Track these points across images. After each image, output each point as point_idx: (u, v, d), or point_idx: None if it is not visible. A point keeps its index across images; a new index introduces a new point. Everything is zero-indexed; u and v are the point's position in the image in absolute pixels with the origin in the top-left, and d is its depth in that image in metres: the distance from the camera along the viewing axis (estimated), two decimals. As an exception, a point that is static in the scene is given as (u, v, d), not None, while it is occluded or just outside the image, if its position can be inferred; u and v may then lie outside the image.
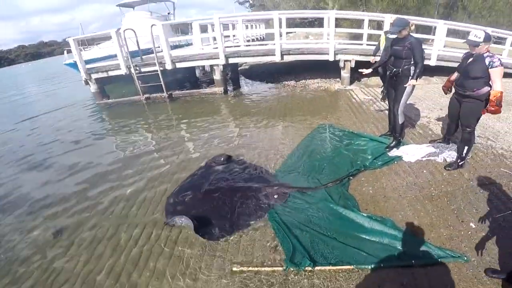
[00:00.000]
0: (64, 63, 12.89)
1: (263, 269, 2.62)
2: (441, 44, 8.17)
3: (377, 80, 8.39)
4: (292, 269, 2.56)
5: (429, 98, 6.84)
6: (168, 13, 19.37)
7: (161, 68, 9.58)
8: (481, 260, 2.42)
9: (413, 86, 4.03)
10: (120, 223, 3.66)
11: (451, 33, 8.81)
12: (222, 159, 4.76)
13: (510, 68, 7.76)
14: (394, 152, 4.33)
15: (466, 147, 3.65)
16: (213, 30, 11.36)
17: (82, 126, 8.56)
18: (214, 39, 11.59)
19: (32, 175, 5.59)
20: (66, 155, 6.26)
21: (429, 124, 5.35)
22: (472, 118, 3.50)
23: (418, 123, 5.44)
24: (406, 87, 4.00)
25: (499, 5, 17.69)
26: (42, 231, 3.77)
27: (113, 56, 10.25)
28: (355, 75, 9.14)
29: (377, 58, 6.28)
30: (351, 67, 8.75)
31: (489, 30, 6.90)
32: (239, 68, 14.14)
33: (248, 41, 16.18)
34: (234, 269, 2.67)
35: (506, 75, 5.16)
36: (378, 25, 12.61)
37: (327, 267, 2.53)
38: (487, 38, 3.13)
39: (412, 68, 3.89)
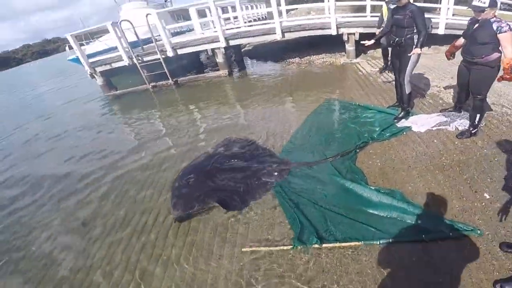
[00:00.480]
0: (68, 59, 12.87)
1: (272, 248, 2.60)
2: (449, 13, 7.70)
3: (383, 51, 8.02)
4: (300, 247, 2.51)
5: (438, 67, 6.51)
6: (166, 1, 18.94)
7: (163, 56, 9.47)
8: (495, 234, 2.27)
9: (418, 55, 3.84)
10: (135, 209, 3.73)
11: (460, 1, 8.32)
12: (224, 141, 4.79)
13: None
14: (402, 123, 4.15)
15: (478, 115, 3.46)
16: (211, 14, 11.09)
17: (93, 117, 8.79)
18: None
19: (53, 159, 6.17)
20: (81, 147, 6.45)
21: (439, 93, 5.09)
22: (482, 86, 3.30)
23: (428, 92, 5.19)
24: (410, 56, 3.82)
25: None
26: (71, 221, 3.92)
27: (115, 48, 10.17)
28: (361, 48, 8.79)
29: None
30: (355, 40, 8.40)
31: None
32: (242, 50, 13.85)
33: (250, 21, 15.73)
34: (244, 249, 2.66)
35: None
36: (381, -6, 11.94)
37: (335, 244, 2.46)
38: (493, 3, 2.91)
39: (415, 36, 3.71)
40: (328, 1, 8.31)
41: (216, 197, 3.35)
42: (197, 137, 5.50)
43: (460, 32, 3.56)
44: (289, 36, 9.16)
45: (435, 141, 3.65)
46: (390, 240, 2.36)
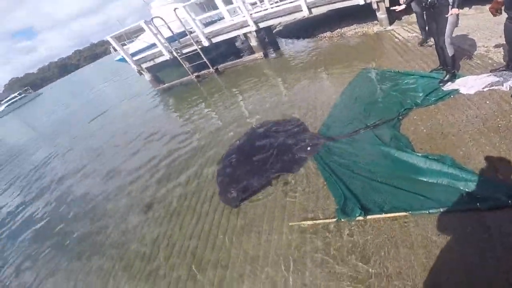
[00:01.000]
0: (115, 59, 13.44)
1: (317, 222, 2.57)
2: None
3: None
4: (344, 220, 2.44)
5: (484, 27, 5.70)
6: None
7: (200, 46, 9.52)
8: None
9: (457, 15, 3.40)
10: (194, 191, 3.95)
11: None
12: (262, 123, 4.93)
13: None
14: (449, 86, 3.76)
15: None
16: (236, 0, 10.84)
17: (147, 110, 9.50)
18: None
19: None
20: (140, 137, 7.05)
21: (488, 53, 4.47)
22: None
23: (475, 53, 4.58)
24: (447, 17, 3.39)
25: None
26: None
27: (155, 45, 10.42)
28: (394, 14, 8.01)
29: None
30: (386, 7, 7.66)
31: None
32: (274, 31, 13.43)
33: (277, 1, 15.10)
34: (291, 224, 2.67)
35: None
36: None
37: (380, 215, 2.32)
38: None
39: None
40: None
41: (256, 178, 3.44)
42: (242, 118, 5.66)
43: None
44: (316, 11, 8.63)
45: (488, 102, 3.25)
46: (441, 209, 2.15)
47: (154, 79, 11.36)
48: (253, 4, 12.33)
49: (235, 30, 9.45)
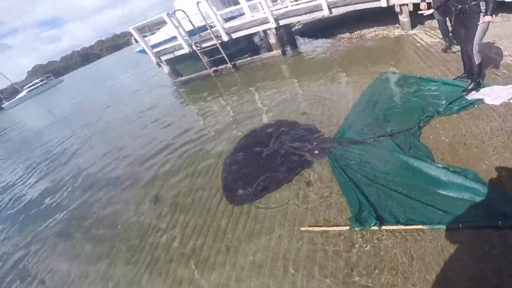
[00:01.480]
0: (136, 51, 13.51)
1: (329, 228, 2.48)
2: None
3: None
4: (357, 228, 2.34)
5: (511, 36, 5.44)
6: None
7: (219, 41, 9.45)
8: None
9: (488, 23, 3.23)
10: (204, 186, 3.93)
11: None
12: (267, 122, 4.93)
13: None
14: (473, 95, 3.58)
15: None
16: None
17: (164, 101, 9.58)
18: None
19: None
20: (154, 128, 7.13)
21: None
22: None
23: (502, 62, 4.35)
24: (478, 25, 3.22)
25: None
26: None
27: (175, 38, 10.41)
28: (417, 19, 7.71)
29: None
30: (409, 11, 7.38)
31: None
32: (293, 29, 13.22)
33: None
34: (302, 229, 2.59)
35: None
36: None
37: (395, 226, 2.22)
38: None
39: (482, 3, 3.09)
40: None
41: (265, 177, 3.41)
42: (254, 116, 5.59)
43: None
44: (336, 11, 8.40)
45: (514, 114, 3.09)
46: (460, 225, 2.04)
47: (173, 72, 11.39)
48: (274, 1, 12.16)
49: (255, 26, 9.34)
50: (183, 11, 9.56)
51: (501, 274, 1.75)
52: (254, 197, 3.22)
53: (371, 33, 8.69)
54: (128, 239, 3.60)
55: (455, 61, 4.72)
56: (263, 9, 9.11)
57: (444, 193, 2.34)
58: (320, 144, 3.63)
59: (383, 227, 2.26)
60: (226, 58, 9.70)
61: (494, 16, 3.18)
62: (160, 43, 11.97)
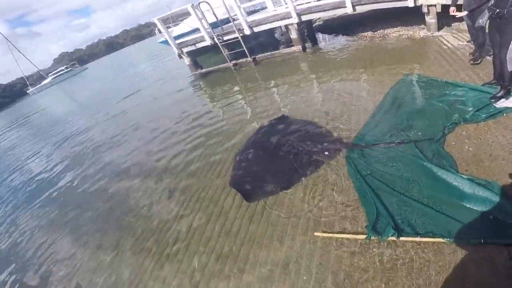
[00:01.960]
0: (158, 41, 13.59)
1: (344, 236, 2.38)
2: None
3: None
4: (374, 238, 2.25)
5: None
6: None
7: (241, 34, 9.36)
8: None
9: None
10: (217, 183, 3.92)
11: None
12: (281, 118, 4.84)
13: None
14: (502, 103, 3.38)
15: None
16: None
17: (183, 93, 9.61)
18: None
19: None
20: (174, 126, 7.05)
21: None
22: None
23: (534, 68, 4.11)
24: None
25: None
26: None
27: (198, 30, 10.39)
28: (444, 20, 7.33)
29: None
30: (437, 12, 7.01)
31: None
32: (314, 25, 12.93)
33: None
34: (316, 234, 2.51)
35: None
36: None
37: (414, 238, 2.12)
38: None
39: None
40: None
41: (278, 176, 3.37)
42: (270, 113, 5.52)
43: None
44: (360, 9, 8.09)
45: (546, 125, 2.91)
46: (482, 240, 1.93)
47: (193, 64, 11.41)
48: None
49: (277, 20, 9.17)
50: (207, 2, 9.49)
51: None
52: (267, 196, 3.19)
53: (394, 33, 8.35)
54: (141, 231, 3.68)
55: (484, 65, 4.46)
56: (286, 4, 8.93)
57: (468, 206, 2.22)
58: (338, 145, 3.54)
59: (402, 238, 2.17)
60: (246, 51, 9.61)
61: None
62: (183, 35, 11.98)
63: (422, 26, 7.73)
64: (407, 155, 2.96)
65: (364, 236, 2.30)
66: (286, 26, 9.33)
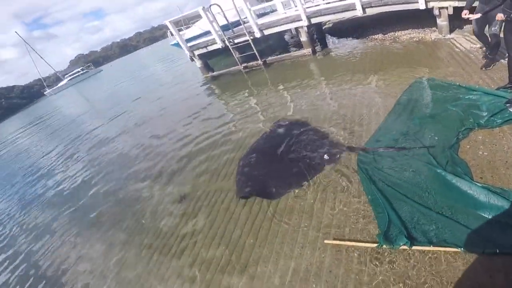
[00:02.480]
0: (171, 44, 13.65)
1: (354, 244, 2.32)
2: None
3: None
4: (385, 247, 2.19)
5: None
6: None
7: (251, 37, 9.36)
8: None
9: None
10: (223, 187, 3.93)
11: None
12: (286, 122, 4.83)
13: None
14: (517, 108, 3.27)
15: None
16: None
17: (194, 96, 9.67)
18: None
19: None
20: (181, 124, 7.25)
21: None
22: None
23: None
24: None
25: None
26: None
27: (209, 32, 10.42)
28: (456, 23, 7.14)
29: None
30: (449, 14, 6.84)
31: None
32: (323, 28, 12.82)
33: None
34: (326, 241, 2.47)
35: None
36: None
37: (427, 248, 2.05)
38: None
39: None
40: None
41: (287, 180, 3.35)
42: (282, 114, 5.54)
43: None
44: (370, 11, 7.97)
45: None
46: (497, 251, 1.87)
47: (204, 66, 11.46)
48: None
49: (287, 23, 9.14)
50: (218, 5, 9.51)
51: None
52: (276, 201, 3.18)
53: (405, 35, 8.20)
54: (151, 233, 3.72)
55: (499, 69, 4.33)
56: (296, 6, 8.88)
57: (483, 215, 2.14)
58: (349, 150, 3.49)
59: (414, 247, 2.11)
60: (257, 54, 9.59)
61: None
62: (194, 37, 12.06)
63: (434, 28, 7.57)
64: (420, 161, 2.88)
65: (375, 245, 2.24)
66: (296, 28, 9.26)
